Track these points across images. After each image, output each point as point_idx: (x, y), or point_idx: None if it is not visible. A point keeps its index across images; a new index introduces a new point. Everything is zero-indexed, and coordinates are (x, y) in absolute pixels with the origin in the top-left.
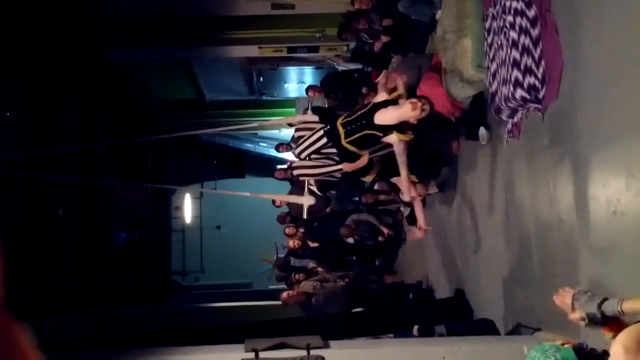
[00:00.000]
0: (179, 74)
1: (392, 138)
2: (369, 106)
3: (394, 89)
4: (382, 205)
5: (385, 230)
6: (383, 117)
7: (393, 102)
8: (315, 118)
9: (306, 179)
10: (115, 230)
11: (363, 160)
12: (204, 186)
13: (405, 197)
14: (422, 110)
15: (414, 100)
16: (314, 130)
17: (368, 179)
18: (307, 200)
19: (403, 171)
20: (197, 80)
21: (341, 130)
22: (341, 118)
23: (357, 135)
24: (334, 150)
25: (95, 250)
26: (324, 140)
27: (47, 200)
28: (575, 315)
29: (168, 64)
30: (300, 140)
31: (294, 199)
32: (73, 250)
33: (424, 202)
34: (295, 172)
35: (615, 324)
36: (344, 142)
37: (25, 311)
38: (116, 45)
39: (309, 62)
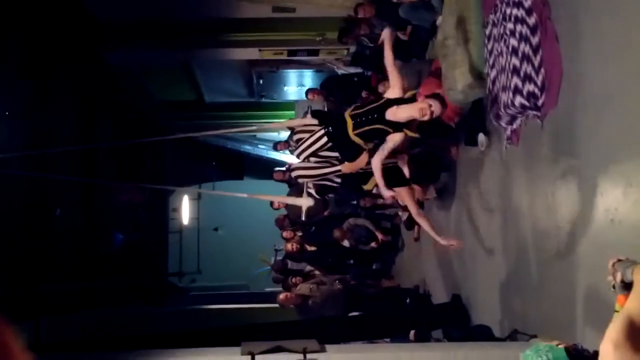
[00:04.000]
0: (178, 75)
1: (397, 135)
2: (382, 101)
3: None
4: (380, 210)
5: (380, 237)
6: (396, 114)
7: (406, 100)
8: (315, 121)
9: (305, 180)
10: (113, 231)
11: (362, 160)
12: (202, 188)
13: (383, 192)
14: (431, 114)
15: (423, 106)
16: (313, 132)
17: (369, 186)
18: (305, 202)
19: (377, 160)
20: (197, 81)
21: (349, 122)
22: (349, 110)
23: (366, 128)
24: (332, 153)
25: (92, 251)
26: (323, 141)
27: (44, 200)
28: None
29: (168, 66)
30: (300, 142)
31: (292, 200)
32: (70, 251)
33: (421, 205)
34: (294, 174)
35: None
36: (351, 133)
37: (21, 311)
38: (115, 46)
39: (309, 65)
